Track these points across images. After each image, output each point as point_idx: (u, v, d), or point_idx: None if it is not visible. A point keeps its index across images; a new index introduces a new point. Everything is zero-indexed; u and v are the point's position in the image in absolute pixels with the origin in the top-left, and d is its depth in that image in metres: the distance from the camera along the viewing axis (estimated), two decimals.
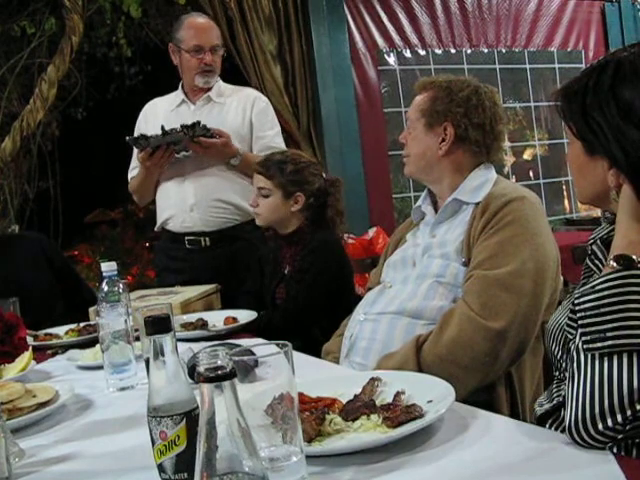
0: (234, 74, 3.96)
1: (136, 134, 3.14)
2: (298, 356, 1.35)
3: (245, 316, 2.30)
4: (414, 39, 5.17)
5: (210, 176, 2.95)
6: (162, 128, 2.80)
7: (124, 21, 5.26)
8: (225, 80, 3.13)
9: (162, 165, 2.95)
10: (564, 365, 1.25)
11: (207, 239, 2.96)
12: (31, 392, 1.49)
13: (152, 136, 2.84)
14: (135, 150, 2.98)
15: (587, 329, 1.03)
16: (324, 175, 2.63)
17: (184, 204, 2.96)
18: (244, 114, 3.01)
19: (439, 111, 1.94)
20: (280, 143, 3.05)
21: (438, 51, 5.28)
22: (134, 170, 3.08)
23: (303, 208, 2.54)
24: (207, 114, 3.02)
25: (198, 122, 2.79)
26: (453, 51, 5.34)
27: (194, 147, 2.86)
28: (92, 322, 2.35)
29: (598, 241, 1.26)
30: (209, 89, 3.04)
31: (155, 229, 3.17)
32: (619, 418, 0.98)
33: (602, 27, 5.88)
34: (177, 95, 3.11)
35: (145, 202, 3.31)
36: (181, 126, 2.79)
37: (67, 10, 4.54)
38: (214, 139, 2.84)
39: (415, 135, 2.00)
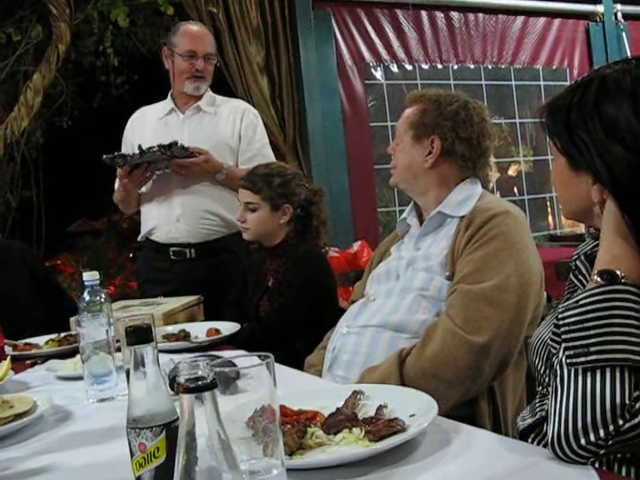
0: (221, 85, 3.96)
1: (124, 142, 3.13)
2: (280, 368, 1.34)
3: (228, 328, 2.28)
4: (401, 54, 5.20)
5: (197, 187, 2.93)
6: (139, 147, 2.80)
7: (111, 30, 5.27)
8: (212, 91, 3.12)
9: (141, 183, 2.95)
10: (547, 380, 1.25)
11: (192, 250, 2.94)
12: (8, 403, 1.47)
13: (129, 155, 2.84)
14: None
15: (571, 343, 1.03)
16: (307, 185, 2.64)
17: (170, 214, 2.94)
18: (234, 125, 3.01)
19: (427, 124, 1.95)
20: (268, 154, 3.05)
21: (425, 66, 5.31)
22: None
23: (290, 220, 2.54)
24: (197, 124, 3.01)
25: (175, 142, 2.79)
26: (440, 66, 5.37)
27: (176, 169, 2.86)
28: (73, 332, 2.33)
29: (582, 257, 1.26)
30: (199, 98, 3.03)
31: (138, 239, 3.14)
32: (602, 433, 0.98)
33: (586, 46, 5.95)
34: (166, 103, 3.09)
35: (130, 212, 3.33)
36: (158, 146, 2.78)
37: (54, 18, 4.54)
38: (195, 158, 2.83)
39: (402, 147, 2.00)
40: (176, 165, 2.85)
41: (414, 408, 1.21)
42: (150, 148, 2.79)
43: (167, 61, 3.05)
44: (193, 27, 3.09)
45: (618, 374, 0.99)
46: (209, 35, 3.10)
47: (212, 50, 3.04)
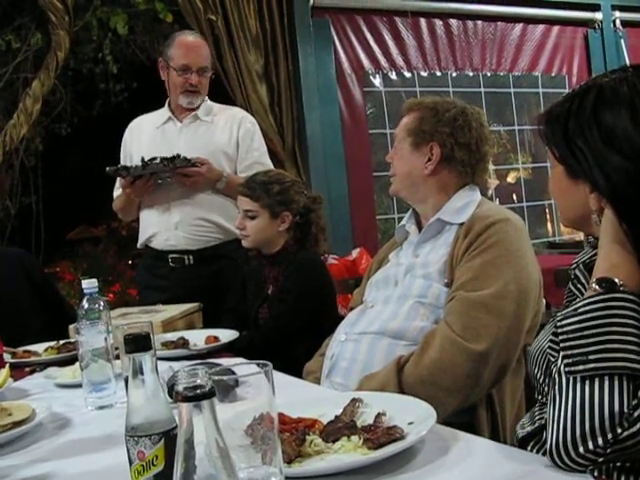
0: (220, 93, 3.97)
1: (122, 151, 3.14)
2: (279, 376, 1.34)
3: (227, 335, 2.28)
4: (400, 61, 5.21)
5: (195, 195, 2.94)
6: (142, 160, 2.81)
7: (111, 38, 5.28)
8: (211, 99, 3.12)
9: (143, 193, 2.95)
10: (546, 389, 1.25)
11: (191, 257, 2.95)
12: (7, 410, 1.47)
13: (132, 167, 2.85)
14: None
15: (569, 352, 1.03)
16: (306, 192, 2.64)
17: (168, 222, 2.95)
18: (231, 133, 3.01)
19: (426, 131, 1.95)
20: (267, 163, 3.05)
21: (424, 73, 5.31)
22: (119, 190, 3.07)
23: (289, 227, 2.54)
24: (193, 132, 3.02)
25: (178, 155, 2.80)
26: (439, 74, 5.37)
27: (179, 179, 2.87)
28: (72, 340, 2.33)
29: (581, 265, 1.26)
30: (196, 107, 3.03)
31: (138, 246, 3.15)
32: (600, 441, 0.98)
33: (585, 53, 5.96)
34: (164, 112, 3.10)
35: (129, 219, 3.36)
36: (161, 158, 2.79)
37: (53, 25, 4.54)
38: (198, 168, 2.84)
39: (401, 155, 2.01)
40: (180, 175, 2.86)
41: (413, 416, 1.21)
42: (153, 160, 2.79)
43: (163, 72, 3.05)
44: (188, 38, 3.06)
45: (617, 382, 0.99)
46: (204, 47, 3.07)
47: (207, 63, 3.01)
